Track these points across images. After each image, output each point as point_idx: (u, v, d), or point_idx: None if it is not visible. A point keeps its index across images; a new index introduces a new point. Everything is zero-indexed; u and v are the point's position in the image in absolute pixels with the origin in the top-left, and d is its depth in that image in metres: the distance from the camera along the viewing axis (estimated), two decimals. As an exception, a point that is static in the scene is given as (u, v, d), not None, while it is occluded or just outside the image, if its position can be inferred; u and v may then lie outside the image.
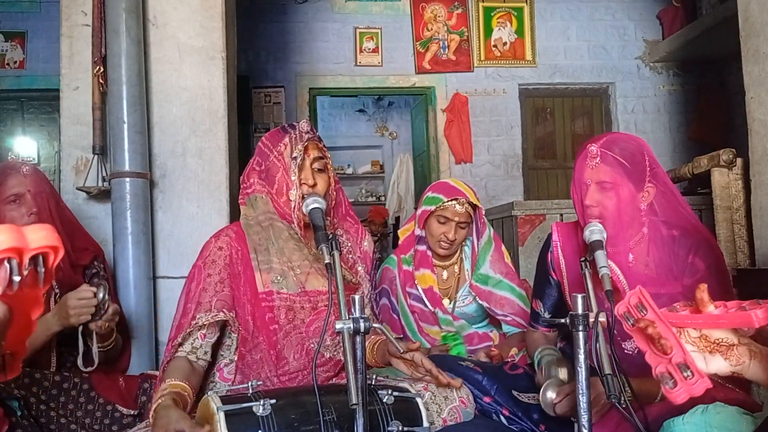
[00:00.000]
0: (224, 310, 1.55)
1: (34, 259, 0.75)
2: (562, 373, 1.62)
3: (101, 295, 1.71)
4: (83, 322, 1.71)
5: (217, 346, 1.64)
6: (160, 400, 1.39)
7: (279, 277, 1.60)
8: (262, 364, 1.60)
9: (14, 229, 0.73)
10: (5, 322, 0.77)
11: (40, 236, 0.75)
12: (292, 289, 1.61)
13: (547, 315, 1.81)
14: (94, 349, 1.80)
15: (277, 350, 1.59)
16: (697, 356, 1.02)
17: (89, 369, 1.80)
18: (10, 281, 0.72)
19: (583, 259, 1.50)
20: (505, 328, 2.24)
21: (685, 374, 0.98)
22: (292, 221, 1.62)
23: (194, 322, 1.52)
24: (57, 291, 1.89)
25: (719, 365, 1.02)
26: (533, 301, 1.88)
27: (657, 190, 1.58)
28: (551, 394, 1.57)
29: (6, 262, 0.72)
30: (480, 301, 2.21)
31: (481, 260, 2.24)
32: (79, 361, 1.80)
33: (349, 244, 1.77)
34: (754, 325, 0.98)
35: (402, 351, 1.54)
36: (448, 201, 2.16)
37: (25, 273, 0.74)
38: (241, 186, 1.71)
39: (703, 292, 1.06)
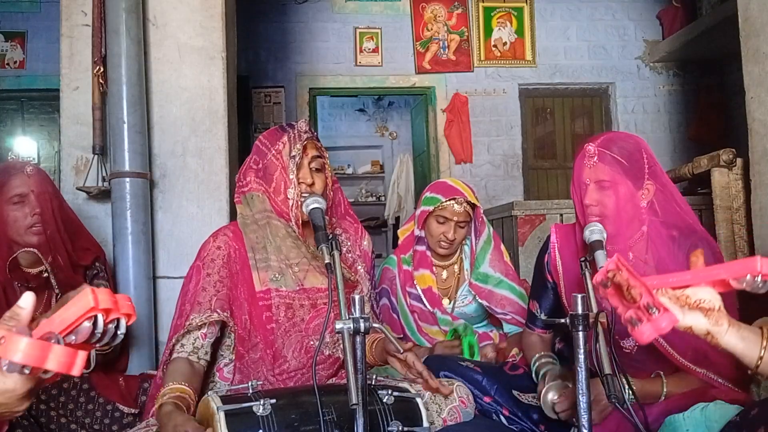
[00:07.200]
0: (218, 310, 1.54)
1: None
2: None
3: None
4: None
5: (216, 346, 1.64)
6: (162, 403, 1.38)
7: (277, 275, 1.60)
8: (261, 364, 1.60)
9: (110, 292, 0.81)
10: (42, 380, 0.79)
11: (124, 303, 0.83)
12: (290, 286, 1.61)
13: (543, 316, 1.81)
14: (92, 353, 1.80)
15: (274, 349, 1.59)
16: (673, 307, 1.00)
17: (87, 370, 1.80)
18: (92, 336, 0.79)
19: (582, 259, 1.50)
20: (506, 327, 2.24)
21: (650, 311, 0.98)
22: (290, 219, 1.61)
23: (187, 323, 1.52)
24: (57, 291, 1.89)
25: (697, 320, 1.01)
26: (530, 303, 1.88)
27: (656, 188, 1.58)
28: (552, 396, 1.57)
29: (97, 317, 0.79)
30: (480, 300, 2.21)
31: (480, 259, 2.24)
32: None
33: (349, 243, 1.78)
34: (756, 271, 0.97)
35: (402, 351, 1.54)
36: (446, 201, 2.16)
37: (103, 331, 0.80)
38: (237, 184, 1.71)
39: (698, 258, 1.05)
